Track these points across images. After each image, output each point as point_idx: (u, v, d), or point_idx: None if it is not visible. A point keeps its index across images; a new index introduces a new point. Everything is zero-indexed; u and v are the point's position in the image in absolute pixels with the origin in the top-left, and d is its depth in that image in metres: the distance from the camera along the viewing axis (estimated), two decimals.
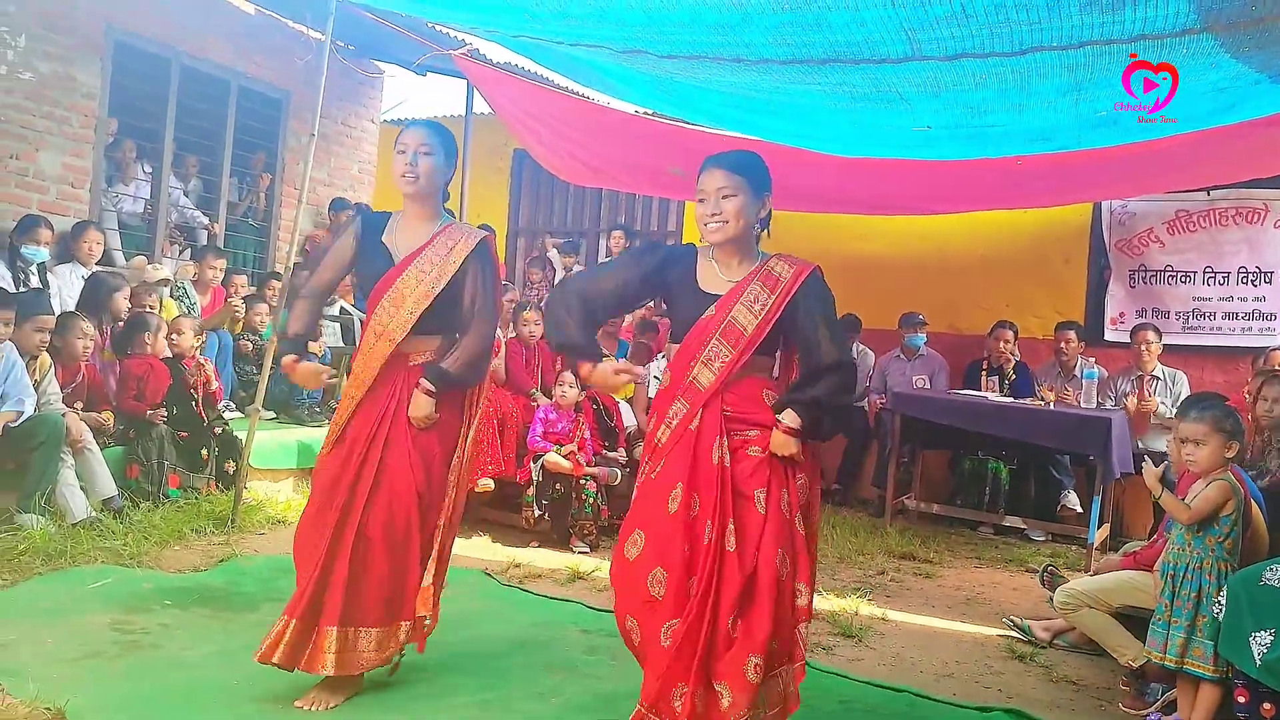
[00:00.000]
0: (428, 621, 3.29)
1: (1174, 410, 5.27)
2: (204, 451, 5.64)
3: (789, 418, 2.82)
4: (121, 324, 5.86)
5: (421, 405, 3.22)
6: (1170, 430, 4.20)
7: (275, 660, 3.08)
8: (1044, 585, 4.91)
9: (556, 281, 8.63)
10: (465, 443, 3.40)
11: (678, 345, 2.95)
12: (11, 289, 5.49)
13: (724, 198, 2.84)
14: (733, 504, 2.79)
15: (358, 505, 3.18)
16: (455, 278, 3.28)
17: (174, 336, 5.76)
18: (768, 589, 2.72)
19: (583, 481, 5.79)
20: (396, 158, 3.30)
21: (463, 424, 3.41)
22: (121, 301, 5.87)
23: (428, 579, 3.27)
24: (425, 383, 3.22)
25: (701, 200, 2.88)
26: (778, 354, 3.01)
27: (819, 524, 3.07)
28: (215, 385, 5.97)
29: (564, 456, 5.79)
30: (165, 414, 5.53)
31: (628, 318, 8.12)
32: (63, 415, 4.94)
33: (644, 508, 2.86)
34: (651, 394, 6.78)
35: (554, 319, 3.03)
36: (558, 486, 5.78)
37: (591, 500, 5.78)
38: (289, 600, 3.18)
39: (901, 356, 7.75)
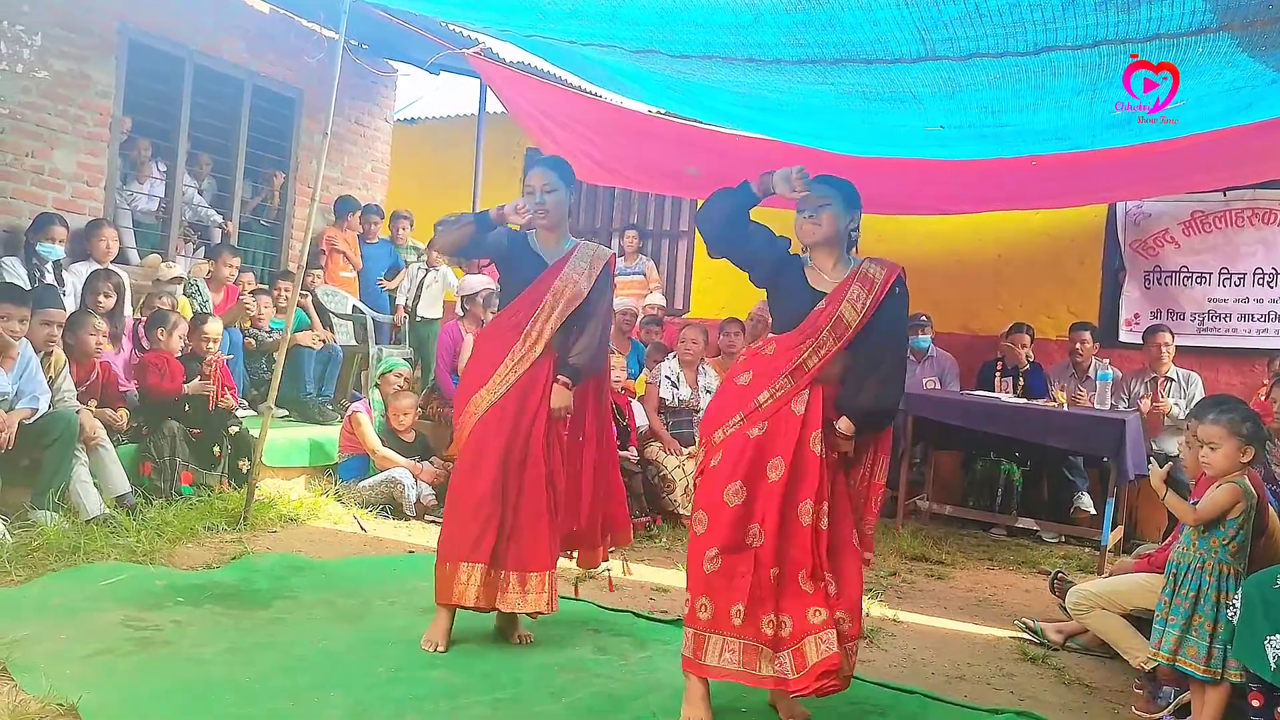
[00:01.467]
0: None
1: (1187, 412, 5.24)
2: (217, 449, 5.66)
3: (844, 425, 3.23)
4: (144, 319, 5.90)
5: (561, 396, 3.79)
6: (1182, 432, 4.18)
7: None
8: (1053, 592, 4.89)
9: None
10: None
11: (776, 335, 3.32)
12: (27, 286, 5.52)
13: (822, 208, 3.27)
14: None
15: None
16: (598, 279, 3.87)
17: (209, 343, 5.82)
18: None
19: None
20: (525, 197, 3.81)
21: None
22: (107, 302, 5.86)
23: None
24: (563, 377, 3.78)
25: (801, 211, 3.32)
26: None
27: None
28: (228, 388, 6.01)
29: None
30: (184, 399, 5.58)
31: (639, 317, 8.13)
32: (76, 412, 4.96)
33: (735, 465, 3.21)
34: (664, 393, 6.80)
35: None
36: None
37: None
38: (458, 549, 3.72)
39: (911, 358, 7.72)
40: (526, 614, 3.83)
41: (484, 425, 3.77)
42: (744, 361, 3.40)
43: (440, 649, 3.70)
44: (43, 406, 4.82)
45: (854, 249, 3.39)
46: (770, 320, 3.47)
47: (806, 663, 3.04)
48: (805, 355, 3.20)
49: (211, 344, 5.83)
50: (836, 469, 3.24)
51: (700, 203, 3.42)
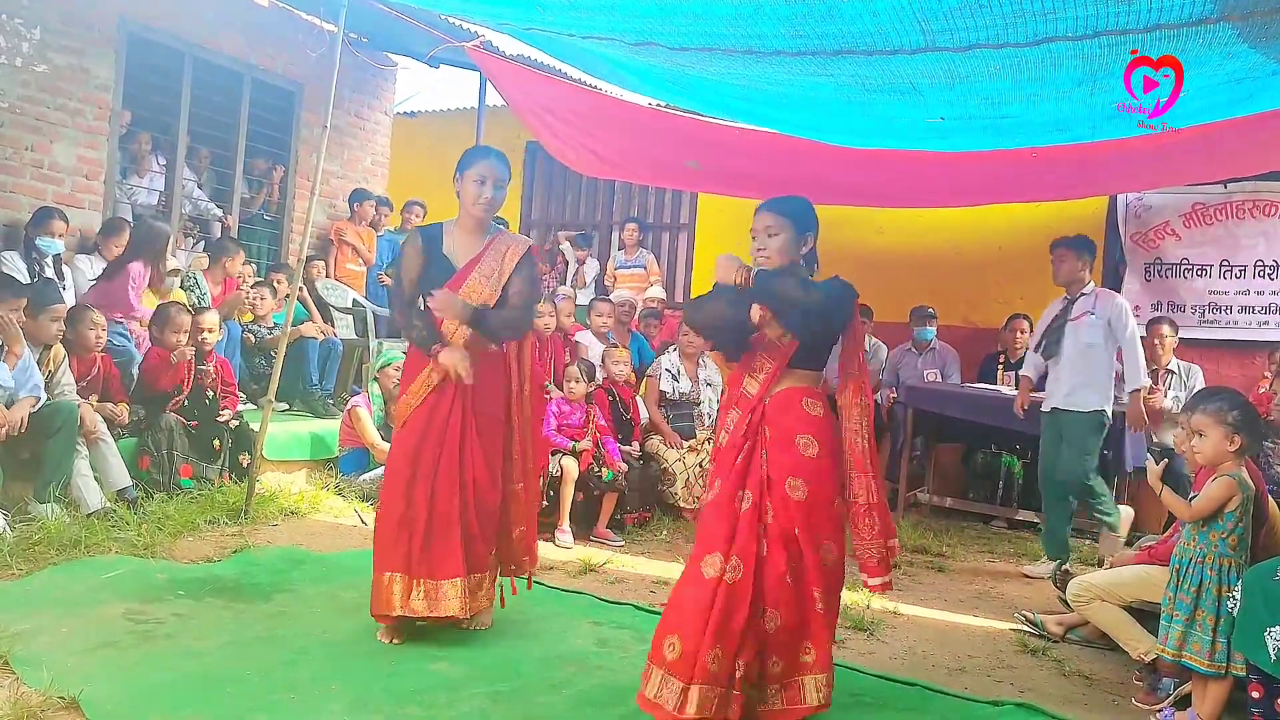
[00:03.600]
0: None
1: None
2: (216, 442, 5.66)
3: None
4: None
5: (451, 353, 3.67)
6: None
7: None
8: (1056, 585, 4.90)
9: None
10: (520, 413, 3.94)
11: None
12: (27, 280, 5.52)
13: (770, 235, 3.24)
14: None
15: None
16: (510, 279, 3.79)
17: (204, 333, 5.82)
18: None
19: (598, 471, 5.82)
20: (471, 185, 3.78)
21: (511, 396, 3.92)
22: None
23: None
24: (465, 322, 3.68)
25: (753, 237, 3.29)
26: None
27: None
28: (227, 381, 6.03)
29: (575, 455, 5.80)
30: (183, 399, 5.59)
31: (639, 308, 8.13)
32: (77, 406, 4.97)
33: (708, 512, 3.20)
34: (664, 386, 6.80)
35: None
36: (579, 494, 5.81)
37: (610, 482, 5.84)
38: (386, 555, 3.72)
39: (913, 350, 7.73)
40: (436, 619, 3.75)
41: (404, 433, 3.79)
42: (721, 420, 3.38)
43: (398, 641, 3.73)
44: (43, 398, 4.82)
45: (815, 267, 3.37)
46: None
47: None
48: (745, 384, 3.24)
49: (208, 334, 5.81)
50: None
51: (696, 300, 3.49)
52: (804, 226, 3.29)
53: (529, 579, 4.10)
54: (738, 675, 2.96)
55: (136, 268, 6.09)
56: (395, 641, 3.70)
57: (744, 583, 2.98)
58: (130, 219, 7.08)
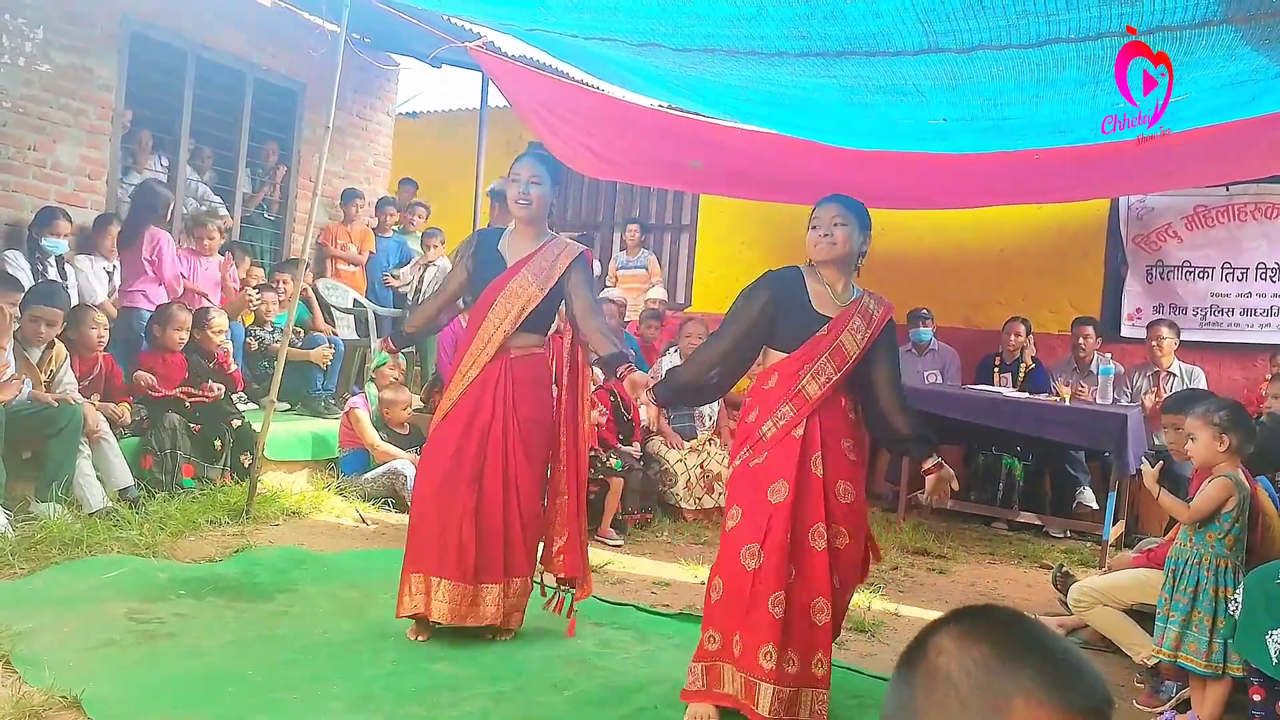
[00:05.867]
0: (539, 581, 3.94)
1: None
2: (218, 442, 5.66)
3: (933, 459, 3.33)
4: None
5: (635, 385, 3.64)
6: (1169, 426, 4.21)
7: None
8: (1056, 587, 4.89)
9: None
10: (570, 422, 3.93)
11: (783, 353, 3.31)
12: (30, 281, 5.52)
13: (836, 225, 3.28)
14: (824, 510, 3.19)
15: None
16: (559, 281, 3.80)
17: (216, 335, 5.85)
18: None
19: (609, 461, 5.84)
20: (510, 186, 3.82)
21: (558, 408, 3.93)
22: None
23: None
24: (634, 378, 3.63)
25: (815, 227, 3.32)
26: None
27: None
28: (233, 368, 6.06)
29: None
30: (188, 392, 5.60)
31: (637, 310, 8.13)
32: (80, 406, 4.97)
33: (744, 490, 3.25)
34: None
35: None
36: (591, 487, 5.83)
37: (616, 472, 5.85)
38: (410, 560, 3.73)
39: (913, 351, 7.73)
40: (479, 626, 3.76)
41: (441, 429, 3.80)
42: (749, 401, 3.41)
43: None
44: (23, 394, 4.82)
45: (858, 272, 3.45)
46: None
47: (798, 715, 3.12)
48: (804, 381, 3.23)
49: (217, 336, 5.83)
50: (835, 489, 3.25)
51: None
52: (865, 226, 3.38)
53: (572, 601, 3.96)
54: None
55: (149, 234, 6.18)
56: (422, 638, 3.72)
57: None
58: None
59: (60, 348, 5.11)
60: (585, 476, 3.97)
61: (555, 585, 3.99)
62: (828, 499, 3.19)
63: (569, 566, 3.89)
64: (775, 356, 3.34)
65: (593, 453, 5.81)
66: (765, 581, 3.09)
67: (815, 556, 3.14)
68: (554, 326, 4.05)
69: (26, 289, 5.25)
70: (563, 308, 3.96)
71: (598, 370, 6.05)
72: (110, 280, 6.21)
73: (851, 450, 3.28)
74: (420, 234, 8.71)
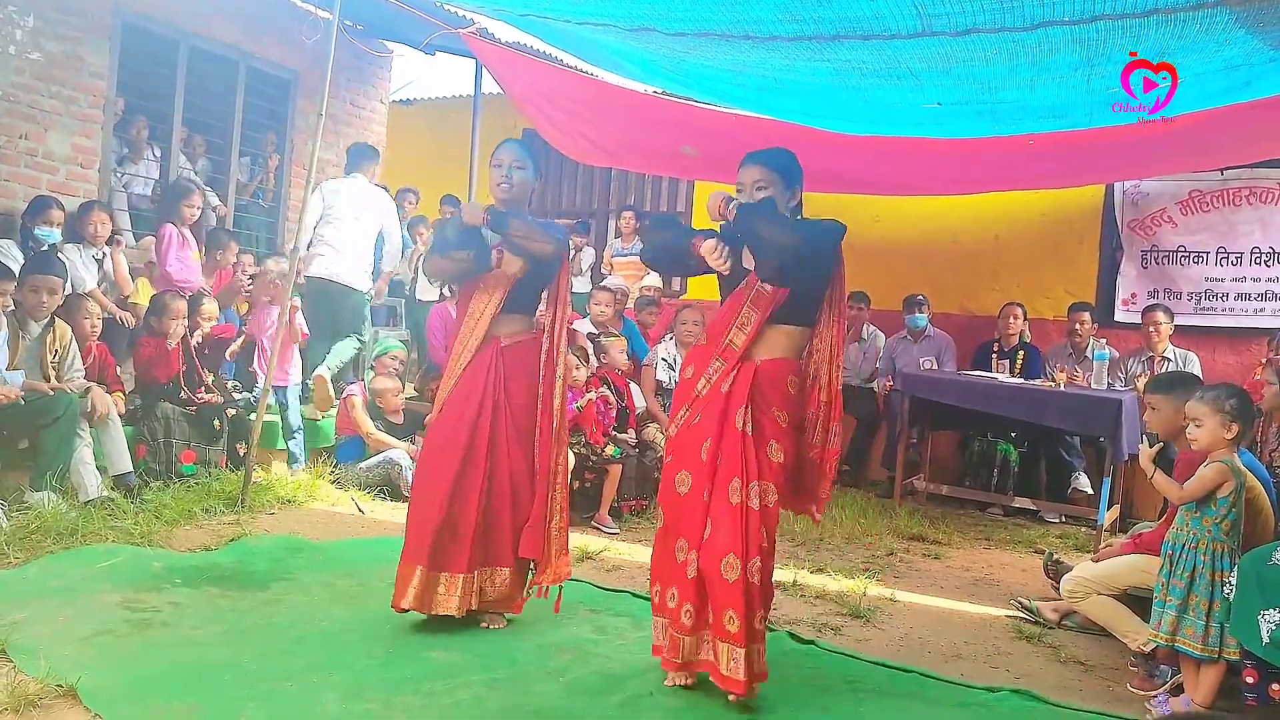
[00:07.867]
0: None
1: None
2: (217, 422, 5.66)
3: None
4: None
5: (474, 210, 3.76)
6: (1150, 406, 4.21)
7: None
8: (1047, 574, 4.90)
9: None
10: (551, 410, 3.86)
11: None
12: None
13: (759, 189, 3.24)
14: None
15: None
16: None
17: (204, 320, 5.86)
18: None
19: (606, 450, 5.84)
20: (493, 170, 3.85)
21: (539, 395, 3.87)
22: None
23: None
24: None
25: (740, 191, 3.28)
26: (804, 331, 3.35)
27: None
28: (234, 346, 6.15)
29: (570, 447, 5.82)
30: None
31: (633, 297, 8.12)
32: (87, 390, 5.00)
33: (683, 451, 3.30)
34: (660, 376, 6.80)
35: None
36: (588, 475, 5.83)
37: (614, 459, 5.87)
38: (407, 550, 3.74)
39: (908, 338, 7.73)
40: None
41: (438, 421, 3.83)
42: (687, 357, 3.46)
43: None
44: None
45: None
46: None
47: (718, 667, 3.14)
48: (731, 334, 3.26)
49: (207, 324, 5.82)
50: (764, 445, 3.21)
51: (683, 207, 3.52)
52: (792, 179, 3.30)
53: (532, 580, 3.93)
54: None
55: (165, 231, 6.35)
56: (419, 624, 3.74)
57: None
58: (126, 207, 7.07)
59: (64, 329, 5.10)
60: (551, 459, 3.85)
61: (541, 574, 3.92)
62: (758, 456, 3.16)
63: (527, 547, 3.80)
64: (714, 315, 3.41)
65: (586, 444, 5.83)
66: (678, 534, 3.24)
67: (730, 510, 3.12)
68: (539, 309, 4.05)
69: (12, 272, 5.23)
70: (546, 291, 3.98)
71: (593, 358, 6.08)
72: (100, 268, 6.18)
73: (785, 420, 3.25)
74: (408, 222, 8.64)
